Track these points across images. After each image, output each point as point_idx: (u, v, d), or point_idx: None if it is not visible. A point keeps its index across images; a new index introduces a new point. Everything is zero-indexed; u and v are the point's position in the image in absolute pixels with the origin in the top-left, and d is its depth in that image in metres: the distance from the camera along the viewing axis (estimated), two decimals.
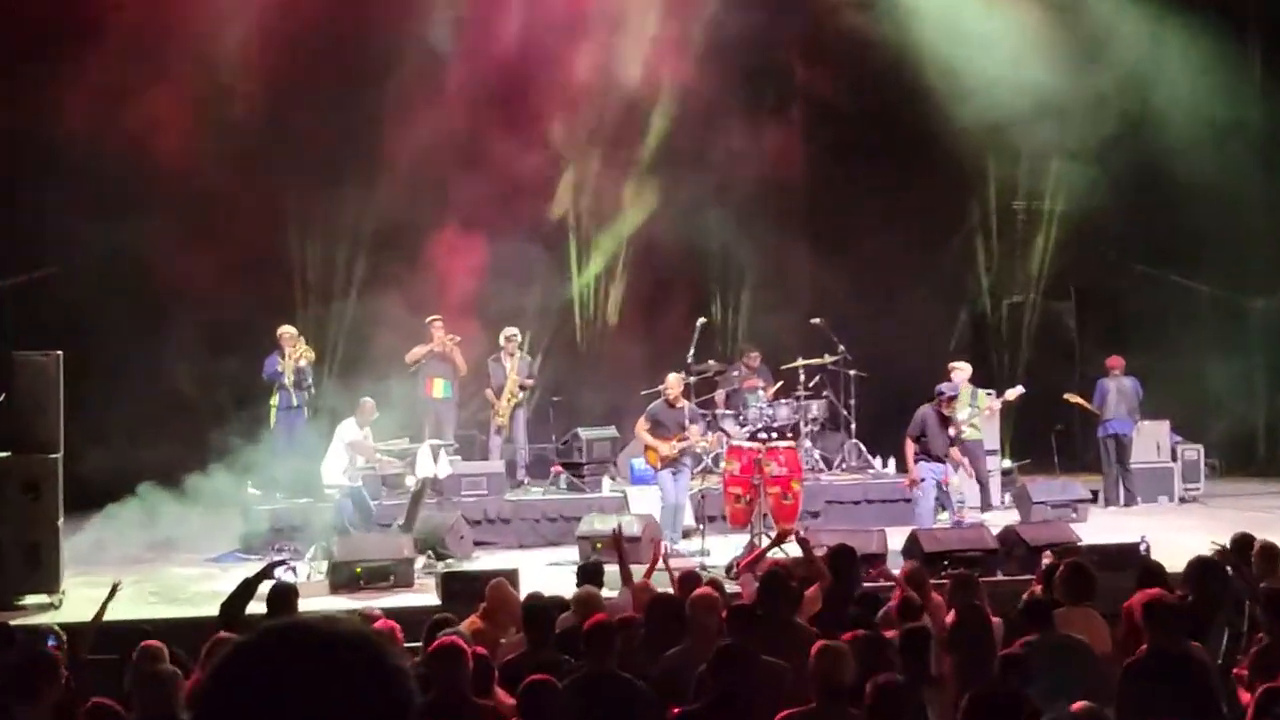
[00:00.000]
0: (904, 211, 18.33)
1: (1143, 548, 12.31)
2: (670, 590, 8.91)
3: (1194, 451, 17.56)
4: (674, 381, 14.42)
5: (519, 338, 16.56)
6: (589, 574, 9.38)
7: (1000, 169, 19.53)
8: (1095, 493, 16.81)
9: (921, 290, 19.08)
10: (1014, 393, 16.01)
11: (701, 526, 13.98)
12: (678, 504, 14.28)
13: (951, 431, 14.48)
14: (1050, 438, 18.01)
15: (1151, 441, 17.30)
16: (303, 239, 17.71)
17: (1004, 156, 19.09)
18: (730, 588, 10.03)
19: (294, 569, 9.59)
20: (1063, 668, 7.25)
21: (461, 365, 16.31)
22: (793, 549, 10.82)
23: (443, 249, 17.14)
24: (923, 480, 14.28)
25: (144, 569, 13.42)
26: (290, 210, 17.42)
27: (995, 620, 8.43)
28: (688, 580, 8.98)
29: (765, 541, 11.24)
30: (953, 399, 14.38)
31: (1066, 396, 17.50)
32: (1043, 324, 20.23)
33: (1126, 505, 16.96)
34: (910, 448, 14.41)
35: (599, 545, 13.36)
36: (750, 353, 17.66)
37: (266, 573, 9.03)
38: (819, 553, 9.67)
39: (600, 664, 7.03)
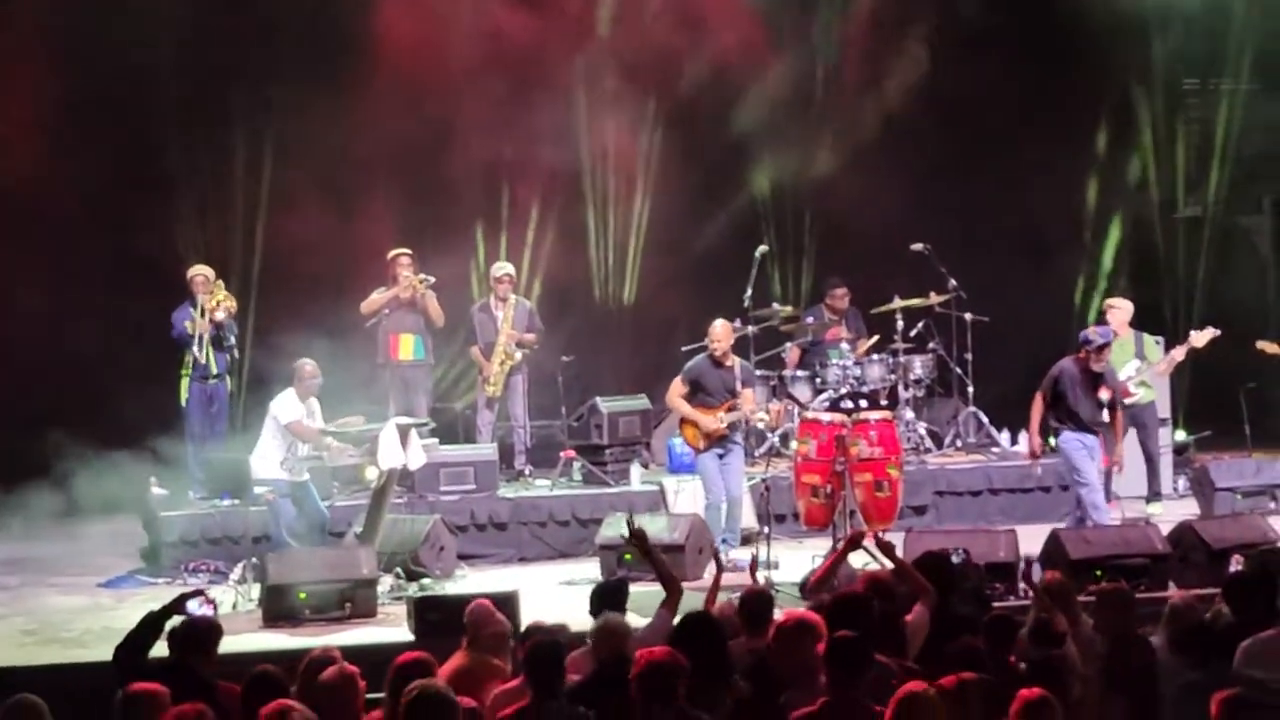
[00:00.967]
0: (1034, 97, 18.23)
1: None
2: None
3: None
4: (721, 331, 14.25)
5: (514, 276, 16.45)
6: (608, 596, 9.29)
7: (1165, 39, 19.31)
8: None
9: (1060, 204, 18.93)
10: (1203, 336, 15.72)
11: (766, 530, 13.87)
12: (730, 496, 14.18)
13: (1103, 395, 14.33)
14: (1239, 401, 17.82)
15: None
16: (219, 145, 17.62)
17: (1170, 19, 18.87)
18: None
19: (213, 601, 9.57)
20: None
21: (437, 316, 16.24)
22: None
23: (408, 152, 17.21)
24: (1073, 452, 14.10)
25: (13, 597, 13.45)
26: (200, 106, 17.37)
27: None
28: (754, 602, 8.87)
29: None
30: (1104, 349, 14.20)
31: (1260, 345, 17.30)
32: (1225, 246, 20.06)
33: None
34: (1038, 408, 14.24)
35: (628, 556, 13.29)
36: (836, 289, 17.54)
37: (176, 606, 9.01)
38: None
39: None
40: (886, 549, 9.77)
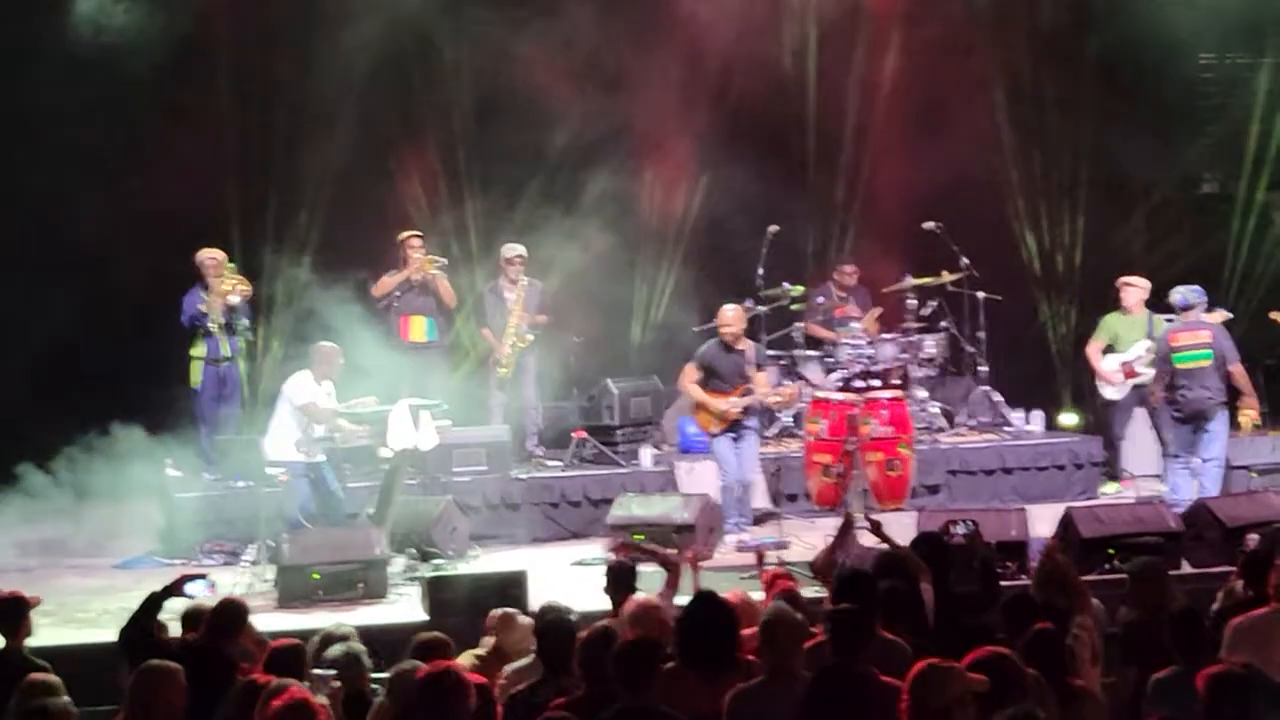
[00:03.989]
0: (1051, 70, 18.40)
1: None
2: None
3: None
4: (732, 316, 14.47)
5: (525, 257, 16.48)
6: (621, 577, 9.49)
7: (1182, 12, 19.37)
8: None
9: (1075, 177, 19.03)
10: (1214, 318, 15.91)
11: (778, 509, 14.05)
12: (742, 480, 14.39)
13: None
14: (1257, 378, 17.90)
15: None
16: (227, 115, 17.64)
17: None
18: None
19: (213, 583, 9.73)
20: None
21: (449, 296, 16.41)
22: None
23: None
24: None
25: (31, 579, 13.52)
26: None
27: None
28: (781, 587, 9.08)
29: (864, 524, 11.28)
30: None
31: (1275, 316, 17.40)
32: (1242, 220, 20.05)
33: None
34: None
35: (639, 536, 13.51)
36: (844, 266, 17.69)
37: (175, 588, 9.23)
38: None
39: (638, 697, 7.17)
40: (876, 528, 10.00)
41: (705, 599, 8.11)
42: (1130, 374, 15.60)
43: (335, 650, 8.04)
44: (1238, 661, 7.56)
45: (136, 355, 15.91)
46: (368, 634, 9.16)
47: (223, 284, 15.63)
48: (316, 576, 12.75)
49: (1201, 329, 14.47)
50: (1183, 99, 19.48)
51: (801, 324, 17.26)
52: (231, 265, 15.87)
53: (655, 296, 18.49)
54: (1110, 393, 16.00)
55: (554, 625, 8.10)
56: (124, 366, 15.92)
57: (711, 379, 14.39)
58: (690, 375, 14.53)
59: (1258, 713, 6.81)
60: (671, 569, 9.76)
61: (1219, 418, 14.34)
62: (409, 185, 17.70)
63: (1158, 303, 15.91)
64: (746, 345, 14.45)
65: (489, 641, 9.01)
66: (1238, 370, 14.38)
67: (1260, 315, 17.59)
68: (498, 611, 9.25)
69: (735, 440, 14.37)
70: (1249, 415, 14.57)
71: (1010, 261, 18.33)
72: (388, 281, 16.25)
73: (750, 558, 13.01)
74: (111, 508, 14.68)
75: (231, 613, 8.74)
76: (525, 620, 9.15)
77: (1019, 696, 6.69)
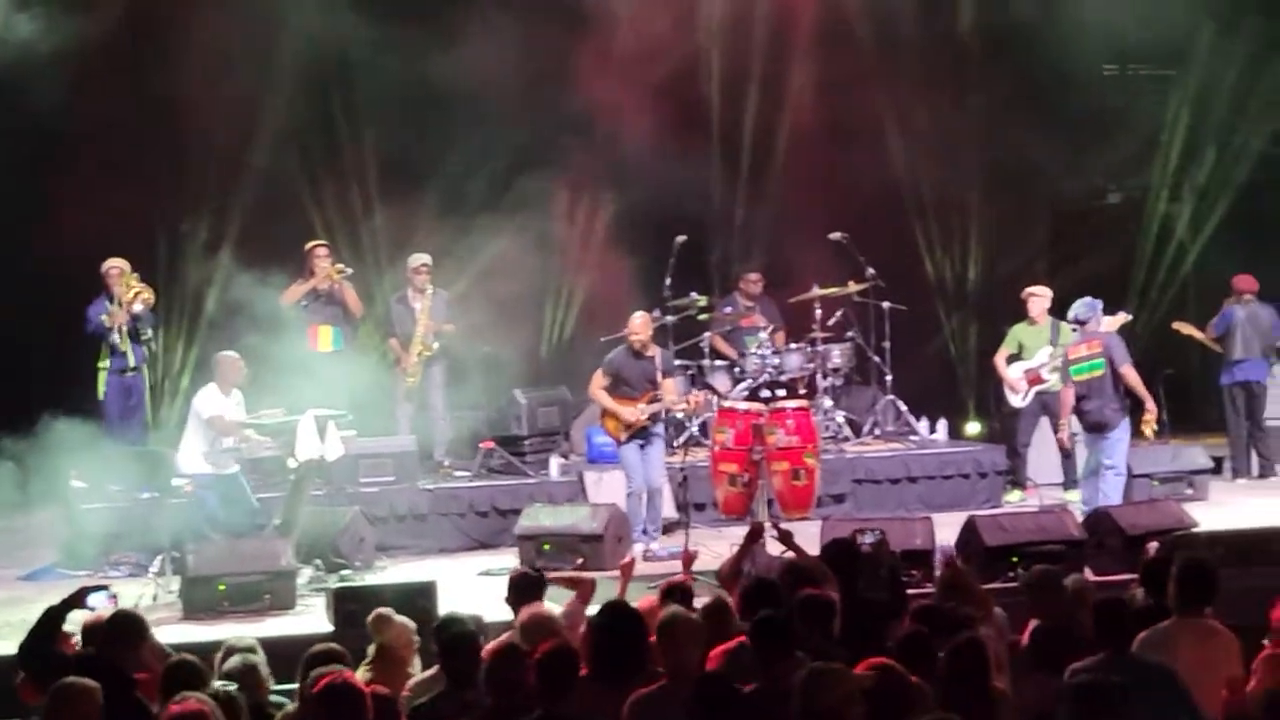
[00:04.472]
0: (953, 82, 18.43)
1: None
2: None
3: None
4: (640, 323, 14.52)
5: (430, 266, 16.47)
6: (525, 587, 9.48)
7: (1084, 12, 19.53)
8: (1219, 461, 17.02)
9: (981, 188, 19.20)
10: (1115, 321, 15.99)
11: (685, 519, 14.09)
12: (650, 486, 14.43)
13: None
14: (1156, 387, 18.09)
15: None
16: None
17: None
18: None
19: (115, 595, 9.64)
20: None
21: (355, 306, 16.41)
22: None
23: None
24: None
25: None
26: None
27: None
28: (676, 596, 9.10)
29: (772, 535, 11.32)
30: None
31: (1177, 327, 17.57)
32: (1144, 232, 20.26)
33: (1262, 476, 17.23)
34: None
35: (546, 546, 13.53)
36: (749, 274, 17.75)
37: (76, 600, 9.15)
38: None
39: (557, 705, 7.19)
40: (785, 538, 10.05)
41: (612, 608, 8.12)
42: (1035, 380, 15.77)
43: (233, 662, 8.01)
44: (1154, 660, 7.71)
45: (48, 370, 15.84)
46: (274, 645, 9.11)
47: (125, 293, 15.55)
48: (223, 588, 12.69)
49: (1094, 339, 14.54)
50: (1087, 111, 19.65)
51: (709, 334, 17.30)
52: (134, 274, 15.76)
53: (563, 307, 18.56)
54: (1015, 400, 16.17)
55: (457, 637, 8.07)
56: (29, 376, 15.84)
57: (619, 385, 14.44)
58: (598, 382, 14.57)
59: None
60: (580, 585, 9.74)
61: (1121, 426, 14.44)
62: (319, 194, 17.71)
63: (1061, 312, 16.07)
64: (655, 352, 14.52)
65: (371, 649, 8.99)
66: (1127, 371, 14.35)
67: (1163, 325, 17.82)
68: (371, 615, 9.25)
69: (642, 448, 14.42)
70: (1147, 421, 14.65)
71: (915, 272, 18.55)
72: (295, 290, 16.21)
73: (658, 567, 13.10)
74: (17, 519, 14.62)
75: (126, 625, 8.66)
76: (401, 617, 9.15)
77: (906, 705, 6.76)
